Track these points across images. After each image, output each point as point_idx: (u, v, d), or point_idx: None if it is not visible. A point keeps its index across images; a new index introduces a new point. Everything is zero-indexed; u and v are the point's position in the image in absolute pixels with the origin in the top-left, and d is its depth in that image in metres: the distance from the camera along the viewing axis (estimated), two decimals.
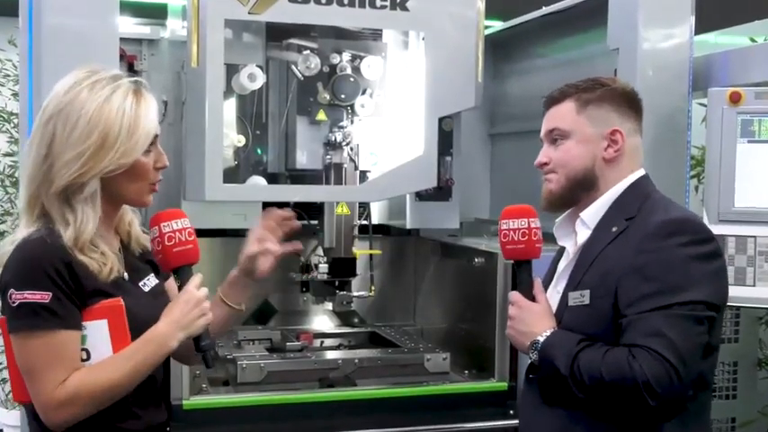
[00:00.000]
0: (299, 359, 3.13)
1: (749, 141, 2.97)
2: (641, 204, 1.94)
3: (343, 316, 3.70)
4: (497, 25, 3.97)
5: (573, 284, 1.95)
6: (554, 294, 2.04)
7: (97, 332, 1.79)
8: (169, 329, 1.82)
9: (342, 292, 3.38)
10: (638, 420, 1.84)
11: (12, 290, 1.73)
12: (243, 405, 2.86)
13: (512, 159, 3.97)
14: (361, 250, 3.49)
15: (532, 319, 1.97)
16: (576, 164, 1.99)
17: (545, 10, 3.57)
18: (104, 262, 1.81)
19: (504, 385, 3.07)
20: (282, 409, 2.88)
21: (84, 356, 1.78)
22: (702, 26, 3.39)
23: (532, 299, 2.01)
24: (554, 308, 2.00)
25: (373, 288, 3.56)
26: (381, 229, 3.74)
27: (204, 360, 1.90)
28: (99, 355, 1.79)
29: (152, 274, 1.99)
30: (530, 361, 2.01)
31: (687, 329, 1.78)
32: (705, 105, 3.12)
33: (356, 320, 3.71)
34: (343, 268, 3.37)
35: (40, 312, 1.72)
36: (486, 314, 3.12)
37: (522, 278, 2.04)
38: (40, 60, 2.67)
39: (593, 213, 2.00)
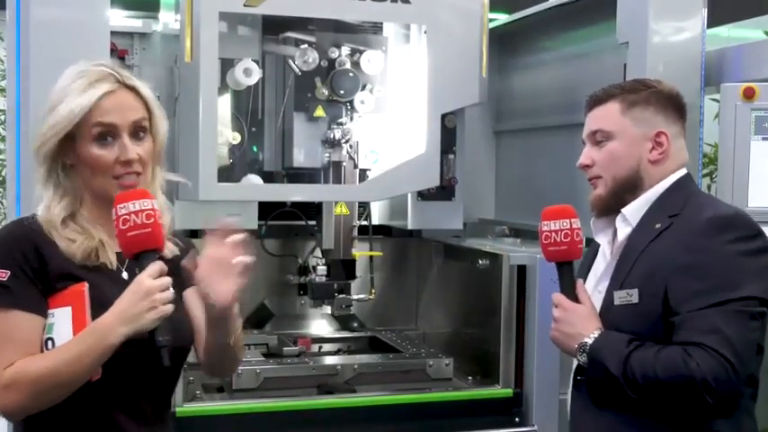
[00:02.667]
0: (297, 365, 3.08)
1: (763, 138, 2.93)
2: (685, 202, 1.98)
3: (343, 320, 3.65)
4: (503, 18, 3.94)
5: (617, 283, 1.95)
6: (595, 294, 2.05)
7: (62, 320, 1.71)
8: (112, 322, 1.64)
9: (341, 296, 3.34)
10: (690, 420, 1.86)
11: None
12: (238, 412, 2.81)
13: (518, 157, 3.93)
14: (360, 252, 3.45)
15: (578, 320, 1.96)
16: (621, 165, 2.02)
17: (552, 2, 3.53)
18: (76, 240, 1.74)
19: (509, 392, 3.02)
20: (279, 417, 2.82)
21: (50, 346, 1.70)
22: (715, 19, 3.36)
23: (575, 300, 2.00)
24: (597, 308, 1.99)
25: (374, 291, 3.52)
26: (382, 230, 3.70)
27: (161, 357, 1.69)
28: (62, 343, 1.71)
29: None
30: (576, 363, 2.01)
31: (742, 325, 1.80)
32: (718, 101, 3.07)
33: (356, 325, 3.66)
34: (342, 270, 3.33)
35: None
36: (491, 318, 3.07)
37: (564, 279, 2.02)
38: (28, 55, 2.61)
39: (634, 210, 2.02)
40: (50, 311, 1.71)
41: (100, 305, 1.70)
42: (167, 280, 1.68)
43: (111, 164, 1.75)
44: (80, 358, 1.65)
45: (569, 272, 2.02)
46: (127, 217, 1.67)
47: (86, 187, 1.79)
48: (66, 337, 1.69)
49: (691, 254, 1.84)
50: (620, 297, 1.93)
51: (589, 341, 1.91)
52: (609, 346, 1.88)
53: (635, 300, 1.90)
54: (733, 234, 1.85)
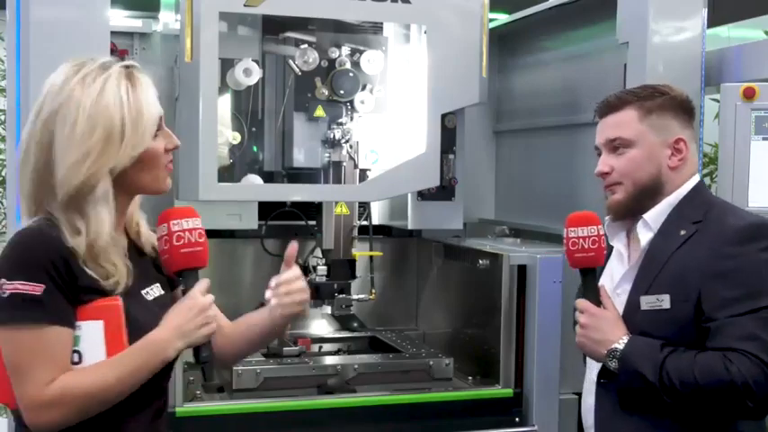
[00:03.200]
0: (297, 365, 3.07)
1: (764, 138, 2.92)
2: (707, 209, 2.00)
3: (343, 320, 3.63)
4: (503, 18, 3.93)
5: (643, 288, 1.98)
6: (613, 297, 2.06)
7: (91, 334, 1.69)
8: (168, 336, 1.72)
9: (341, 296, 3.33)
10: (718, 422, 1.90)
11: (3, 279, 1.64)
12: (238, 412, 2.79)
13: (518, 157, 3.92)
14: (361, 252, 3.44)
15: (606, 326, 1.97)
16: (641, 172, 2.04)
17: (552, 2, 3.52)
18: (113, 274, 1.71)
19: (509, 392, 3.01)
20: (279, 417, 2.81)
21: (76, 359, 1.68)
22: (715, 19, 3.35)
23: (599, 305, 2.01)
24: (619, 312, 2.03)
25: (374, 291, 3.51)
26: (382, 230, 3.68)
27: (203, 372, 1.85)
28: (91, 358, 1.69)
29: (157, 284, 1.87)
30: (600, 366, 2.02)
31: None
32: (718, 101, 3.06)
33: (356, 325, 3.64)
34: (342, 270, 3.33)
35: (30, 305, 1.63)
36: (491, 318, 3.07)
37: (588, 285, 2.04)
38: (29, 55, 2.60)
39: (656, 216, 2.04)
40: (77, 324, 1.69)
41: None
42: (212, 297, 1.79)
43: (162, 153, 1.78)
44: (136, 372, 1.69)
45: (593, 278, 2.03)
46: (181, 234, 1.75)
47: (127, 189, 1.77)
48: (98, 352, 1.68)
49: (724, 261, 1.87)
50: (649, 302, 1.94)
51: (619, 347, 1.93)
52: (641, 352, 1.90)
53: (666, 305, 1.91)
54: (763, 243, 1.88)
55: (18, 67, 2.65)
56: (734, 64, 3.15)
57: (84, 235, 1.68)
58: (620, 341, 1.93)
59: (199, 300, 1.75)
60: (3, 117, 5.20)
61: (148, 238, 1.87)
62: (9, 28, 2.69)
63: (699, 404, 1.85)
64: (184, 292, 1.80)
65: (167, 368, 1.80)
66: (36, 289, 1.62)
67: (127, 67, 1.76)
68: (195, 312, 1.74)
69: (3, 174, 5.13)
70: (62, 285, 1.65)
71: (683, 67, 2.95)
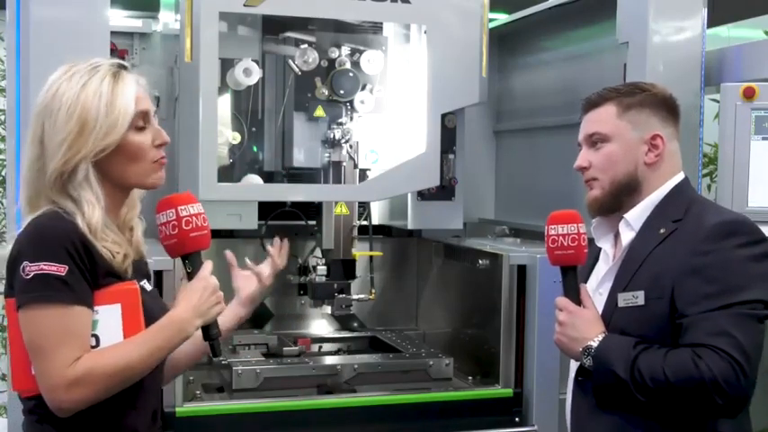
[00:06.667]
0: (297, 365, 3.07)
1: (763, 138, 2.92)
2: (688, 207, 1.99)
3: (343, 320, 3.64)
4: (503, 18, 3.94)
5: (621, 286, 1.98)
6: (596, 296, 2.06)
7: (109, 317, 1.73)
8: (188, 315, 1.79)
9: (341, 296, 3.32)
10: (695, 421, 1.88)
11: (26, 262, 1.67)
12: (238, 412, 2.80)
13: (518, 157, 3.92)
14: (360, 252, 3.44)
15: (583, 324, 1.97)
16: (618, 168, 2.03)
17: (552, 2, 3.53)
18: (117, 251, 1.78)
19: (509, 392, 3.01)
20: (279, 417, 2.82)
21: (93, 342, 1.72)
22: (715, 19, 3.35)
23: (579, 304, 2.01)
24: (599, 309, 2.02)
25: (374, 291, 3.51)
26: (382, 230, 3.69)
27: (212, 349, 1.88)
28: (108, 341, 1.73)
29: (145, 281, 1.93)
30: (577, 364, 2.02)
31: (749, 328, 1.81)
32: (718, 101, 3.07)
33: (356, 325, 3.65)
34: (342, 270, 3.32)
35: (55, 284, 1.66)
36: (491, 318, 3.07)
37: (568, 284, 2.04)
38: (29, 55, 2.61)
39: (637, 215, 2.03)
40: (95, 308, 1.73)
41: None
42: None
43: (149, 148, 1.82)
44: (158, 351, 1.75)
45: (574, 276, 2.02)
46: (189, 219, 1.81)
47: (113, 181, 1.81)
48: (115, 334, 1.73)
49: (698, 257, 1.85)
50: (625, 299, 1.94)
51: (594, 344, 1.92)
52: (614, 350, 1.89)
53: (640, 302, 1.91)
54: (739, 239, 1.86)
55: (18, 67, 2.67)
56: (734, 64, 3.17)
57: (79, 215, 1.73)
58: (596, 339, 1.93)
59: (211, 281, 1.83)
60: (3, 117, 5.20)
61: (139, 244, 1.92)
62: (9, 28, 2.70)
63: (670, 401, 1.84)
64: (191, 274, 1.86)
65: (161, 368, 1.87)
66: (60, 269, 1.66)
67: (116, 66, 1.82)
68: (209, 292, 1.82)
69: (3, 174, 5.14)
70: (82, 267, 1.70)
71: (683, 67, 2.96)
